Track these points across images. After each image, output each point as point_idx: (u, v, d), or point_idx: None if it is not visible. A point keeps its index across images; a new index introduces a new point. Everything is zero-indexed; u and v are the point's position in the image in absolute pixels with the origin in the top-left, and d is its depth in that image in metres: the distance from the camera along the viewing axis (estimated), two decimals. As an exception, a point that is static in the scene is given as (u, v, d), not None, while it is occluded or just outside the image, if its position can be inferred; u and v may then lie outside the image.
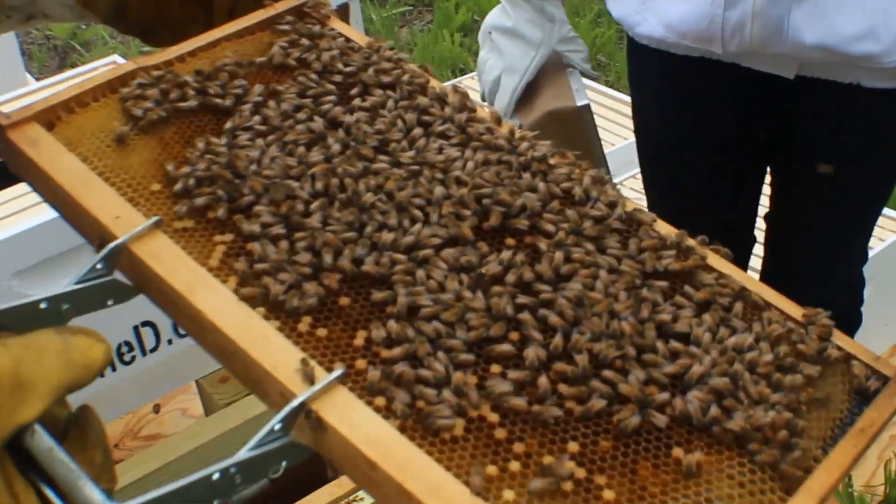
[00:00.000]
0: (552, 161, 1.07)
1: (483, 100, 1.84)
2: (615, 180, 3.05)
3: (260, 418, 1.92)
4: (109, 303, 0.91)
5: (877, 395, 0.92)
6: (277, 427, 0.80)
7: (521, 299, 0.91)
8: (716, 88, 1.82)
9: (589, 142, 1.61)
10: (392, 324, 0.88)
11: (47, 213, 2.06)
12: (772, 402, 0.87)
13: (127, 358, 1.91)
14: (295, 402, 0.80)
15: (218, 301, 0.88)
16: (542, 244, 0.97)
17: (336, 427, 0.80)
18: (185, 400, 2.26)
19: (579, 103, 1.60)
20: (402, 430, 0.81)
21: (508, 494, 0.78)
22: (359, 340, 0.87)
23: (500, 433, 0.82)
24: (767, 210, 2.09)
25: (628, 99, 3.34)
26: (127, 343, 1.90)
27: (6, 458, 0.73)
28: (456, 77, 4.18)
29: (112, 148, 1.01)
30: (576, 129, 1.59)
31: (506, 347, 0.88)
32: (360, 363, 0.86)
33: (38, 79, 4.16)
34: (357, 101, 1.10)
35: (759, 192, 2.09)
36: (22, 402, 0.73)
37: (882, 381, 0.93)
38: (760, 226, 2.14)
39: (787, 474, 0.83)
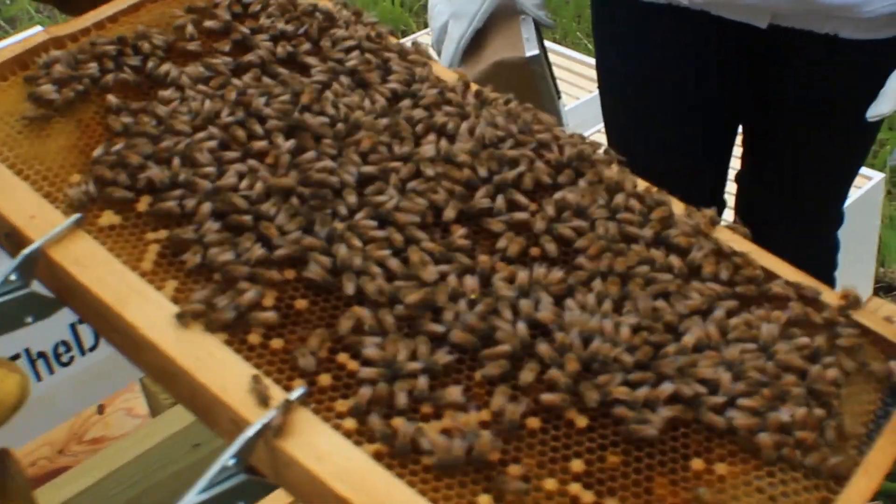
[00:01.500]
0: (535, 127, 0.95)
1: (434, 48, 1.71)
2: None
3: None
4: (28, 320, 0.78)
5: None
6: (231, 463, 0.68)
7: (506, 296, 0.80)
8: (685, 37, 1.70)
9: (540, 94, 1.48)
10: (371, 350, 0.75)
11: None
12: (798, 397, 0.76)
13: (65, 359, 1.76)
14: (250, 432, 0.68)
15: (154, 313, 0.75)
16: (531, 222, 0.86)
17: (300, 460, 0.68)
18: (129, 399, 2.12)
19: (528, 53, 1.47)
20: (378, 457, 0.69)
21: (506, 530, 0.67)
22: (321, 351, 0.75)
23: (492, 454, 0.71)
24: (739, 170, 1.98)
25: (576, 55, 3.23)
26: (64, 343, 1.76)
27: None
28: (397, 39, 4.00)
29: (24, 134, 0.88)
30: (526, 80, 1.46)
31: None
32: (325, 378, 0.73)
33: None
34: (312, 68, 0.97)
35: (730, 151, 1.98)
36: None
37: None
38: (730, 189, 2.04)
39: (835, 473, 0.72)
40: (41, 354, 1.71)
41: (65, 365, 1.77)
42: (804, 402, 0.76)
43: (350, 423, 0.71)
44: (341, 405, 0.72)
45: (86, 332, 1.77)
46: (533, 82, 1.46)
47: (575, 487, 0.70)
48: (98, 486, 1.70)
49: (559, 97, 1.55)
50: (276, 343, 0.75)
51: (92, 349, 1.78)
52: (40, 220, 0.80)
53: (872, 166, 2.57)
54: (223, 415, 0.71)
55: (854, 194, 2.47)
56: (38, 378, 1.72)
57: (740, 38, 1.65)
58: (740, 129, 1.90)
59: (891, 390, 0.82)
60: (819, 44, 1.60)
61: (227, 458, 0.68)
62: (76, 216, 0.80)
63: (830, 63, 1.63)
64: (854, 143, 1.77)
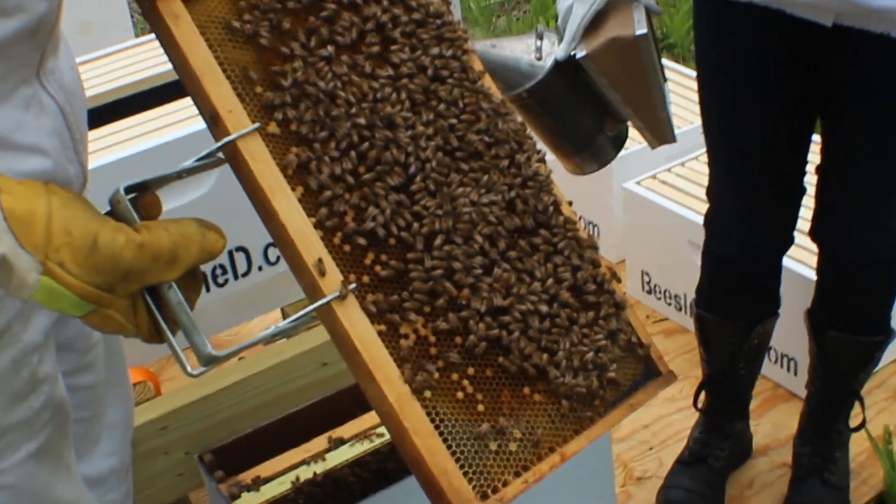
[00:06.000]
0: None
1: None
2: (684, 158, 3.47)
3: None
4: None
5: (651, 378, 1.49)
6: (310, 314, 1.29)
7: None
8: (771, 39, 2.03)
9: (646, 69, 1.86)
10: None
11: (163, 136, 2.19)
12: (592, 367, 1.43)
13: (221, 280, 2.10)
14: (323, 301, 1.29)
15: (289, 207, 1.30)
16: None
17: (342, 320, 1.29)
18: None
19: (638, 32, 1.83)
20: (381, 334, 1.32)
21: (427, 394, 1.32)
22: (367, 260, 1.35)
23: (433, 350, 1.35)
24: (819, 162, 2.22)
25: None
26: (221, 266, 2.08)
27: (141, 296, 1.19)
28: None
29: (230, 39, 1.37)
30: (634, 56, 1.85)
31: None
32: (365, 279, 1.34)
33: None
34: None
35: (809, 142, 2.21)
36: (170, 269, 1.19)
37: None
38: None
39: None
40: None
41: (220, 286, 2.11)
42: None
43: (371, 307, 1.32)
44: (370, 296, 1.33)
45: (240, 259, 2.10)
46: (641, 58, 1.86)
47: (465, 382, 1.35)
48: (236, 386, 1.99)
49: (665, 80, 1.93)
50: (346, 247, 1.34)
51: (244, 275, 2.09)
52: (235, 115, 1.31)
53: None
54: (308, 280, 1.30)
55: None
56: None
57: (811, 35, 1.94)
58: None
59: (645, 369, 1.50)
60: (877, 43, 1.87)
61: (310, 311, 1.28)
62: (258, 124, 1.33)
63: (886, 61, 1.91)
64: None
